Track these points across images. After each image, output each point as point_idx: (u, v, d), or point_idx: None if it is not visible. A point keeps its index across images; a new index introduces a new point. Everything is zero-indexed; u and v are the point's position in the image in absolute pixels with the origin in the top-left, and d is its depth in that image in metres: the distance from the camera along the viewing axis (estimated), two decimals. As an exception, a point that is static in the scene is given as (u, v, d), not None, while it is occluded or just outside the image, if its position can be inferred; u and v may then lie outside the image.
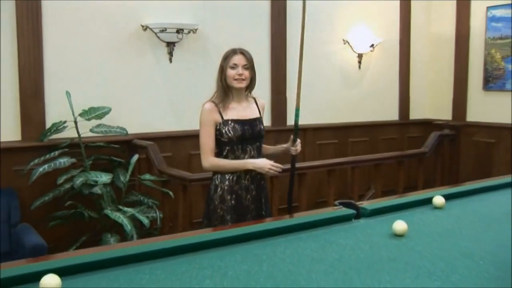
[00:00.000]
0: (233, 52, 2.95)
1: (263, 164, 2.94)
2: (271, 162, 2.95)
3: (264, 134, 3.05)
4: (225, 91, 2.96)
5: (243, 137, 2.94)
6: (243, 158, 2.96)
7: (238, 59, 2.93)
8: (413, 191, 3.38)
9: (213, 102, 2.98)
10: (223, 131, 2.93)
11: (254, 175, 2.99)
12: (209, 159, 2.96)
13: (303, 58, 3.19)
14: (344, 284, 1.73)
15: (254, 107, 3.06)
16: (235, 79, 2.93)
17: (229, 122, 2.93)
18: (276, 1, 5.54)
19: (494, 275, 1.82)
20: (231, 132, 2.92)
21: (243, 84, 2.95)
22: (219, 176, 2.99)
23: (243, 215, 2.98)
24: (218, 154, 2.99)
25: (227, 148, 2.96)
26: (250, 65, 2.95)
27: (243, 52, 2.95)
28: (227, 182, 2.96)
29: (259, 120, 3.03)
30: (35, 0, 4.28)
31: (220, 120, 2.94)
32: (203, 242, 2.06)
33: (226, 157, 2.96)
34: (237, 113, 2.98)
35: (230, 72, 2.93)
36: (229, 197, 2.96)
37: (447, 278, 1.78)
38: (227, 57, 2.96)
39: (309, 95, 5.85)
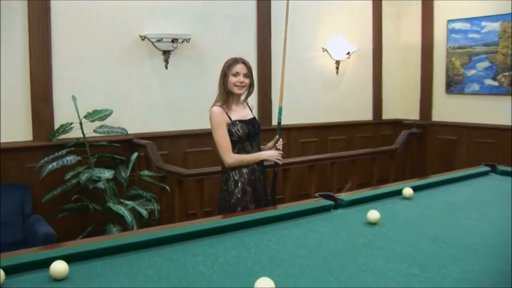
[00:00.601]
0: (236, 61, 2.98)
1: (272, 154, 3.08)
2: (277, 152, 3.09)
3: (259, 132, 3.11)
4: (227, 95, 2.99)
5: (249, 135, 2.99)
6: (252, 152, 3.01)
7: (240, 68, 2.96)
8: (385, 184, 3.41)
9: (219, 106, 2.99)
10: (233, 130, 2.95)
11: (262, 166, 3.08)
12: (232, 156, 2.96)
13: (285, 63, 3.26)
14: (323, 267, 1.74)
15: (248, 108, 3.11)
16: (236, 86, 2.96)
17: (237, 122, 2.97)
18: (262, 13, 5.52)
19: (454, 256, 1.84)
20: (241, 131, 2.96)
21: (242, 91, 3.00)
22: (237, 171, 2.98)
23: (260, 202, 3.02)
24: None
25: (237, 146, 2.98)
26: (249, 74, 2.99)
27: (244, 62, 2.99)
28: (245, 176, 2.98)
29: (255, 119, 3.10)
30: (45, 13, 4.25)
31: (229, 121, 2.96)
32: (196, 231, 2.06)
33: (238, 153, 2.98)
34: (238, 114, 3.01)
35: (232, 79, 2.95)
36: (249, 189, 2.99)
37: (414, 259, 1.80)
38: (230, 65, 2.98)
39: (292, 97, 5.86)
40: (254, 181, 3.01)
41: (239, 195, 2.97)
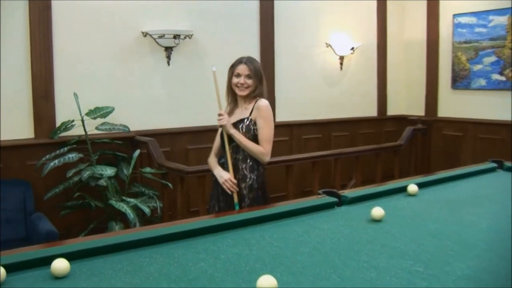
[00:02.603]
0: (238, 61, 2.95)
1: (221, 175, 2.94)
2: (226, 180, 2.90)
3: (243, 134, 2.91)
4: (233, 95, 2.99)
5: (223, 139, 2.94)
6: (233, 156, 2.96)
7: (241, 69, 2.92)
8: (389, 180, 3.39)
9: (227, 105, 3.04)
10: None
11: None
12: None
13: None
14: (326, 265, 1.74)
15: (250, 108, 2.96)
16: (238, 87, 2.93)
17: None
18: (264, 9, 5.51)
19: (458, 252, 1.84)
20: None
21: (244, 92, 2.93)
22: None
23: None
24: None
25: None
26: (253, 74, 2.91)
27: (246, 63, 2.93)
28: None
29: (241, 121, 2.94)
30: (46, 11, 4.25)
31: None
32: (198, 229, 2.06)
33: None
34: (236, 116, 2.99)
35: (234, 80, 2.94)
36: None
37: (417, 257, 1.80)
38: (233, 65, 2.97)
39: (295, 93, 5.87)
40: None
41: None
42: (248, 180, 2.92)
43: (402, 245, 1.92)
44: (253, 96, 2.95)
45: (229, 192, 2.89)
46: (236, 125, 2.94)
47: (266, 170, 3.09)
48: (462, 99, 6.03)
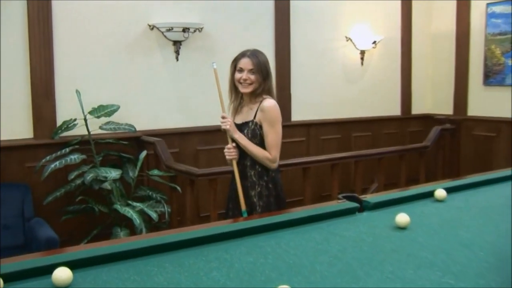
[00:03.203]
0: (242, 55, 2.89)
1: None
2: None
3: (249, 139, 2.90)
4: (237, 92, 2.95)
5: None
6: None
7: (244, 63, 2.86)
8: (415, 184, 3.37)
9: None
10: None
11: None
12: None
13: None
14: (347, 275, 1.73)
15: (254, 109, 2.91)
16: (240, 83, 2.88)
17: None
18: (280, 1, 5.51)
19: (494, 265, 1.81)
20: None
21: (247, 89, 2.87)
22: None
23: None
24: None
25: None
26: (257, 69, 2.84)
27: (250, 56, 2.86)
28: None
29: (246, 124, 2.93)
30: (46, 0, 4.28)
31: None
32: (210, 236, 2.05)
33: None
34: (241, 117, 2.98)
35: (236, 75, 2.89)
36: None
37: (447, 268, 1.78)
38: (235, 59, 2.91)
39: (313, 91, 5.86)
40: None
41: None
42: (257, 187, 2.92)
43: (430, 255, 1.90)
44: (258, 93, 2.89)
45: (227, 158, 2.94)
46: (241, 128, 2.93)
47: (280, 173, 3.07)
48: (495, 96, 5.96)
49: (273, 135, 2.88)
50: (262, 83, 2.87)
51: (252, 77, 2.85)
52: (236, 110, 3.01)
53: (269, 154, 2.88)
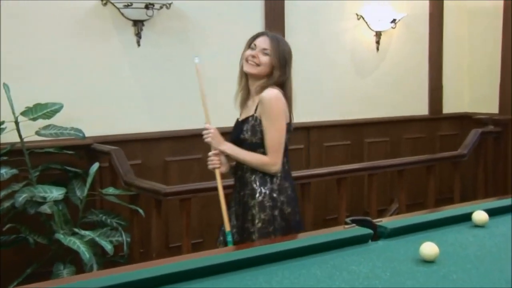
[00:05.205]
0: (261, 33, 3.09)
1: None
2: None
3: (248, 138, 3.03)
4: (247, 79, 3.07)
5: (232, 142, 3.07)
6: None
7: (260, 41, 3.01)
8: (447, 205, 3.38)
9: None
10: None
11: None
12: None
13: None
14: (357, 323, 1.72)
15: (257, 101, 3.05)
16: (247, 60, 2.99)
17: None
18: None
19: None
20: None
21: (253, 70, 2.99)
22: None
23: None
24: None
25: None
26: (273, 53, 2.97)
27: (269, 36, 3.03)
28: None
29: (245, 121, 3.05)
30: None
31: None
32: (180, 272, 2.04)
33: None
34: (244, 111, 3.12)
35: (246, 52, 3.02)
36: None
37: (489, 314, 1.78)
38: (252, 37, 3.07)
39: (314, 86, 5.87)
40: None
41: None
42: (257, 195, 2.99)
43: (465, 297, 1.90)
44: (266, 85, 2.99)
45: (209, 167, 3.08)
46: (241, 126, 3.03)
47: (292, 181, 3.14)
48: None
49: (273, 133, 2.97)
50: (274, 72, 2.99)
51: (263, 58, 2.98)
52: (244, 103, 3.12)
53: (267, 157, 2.97)
